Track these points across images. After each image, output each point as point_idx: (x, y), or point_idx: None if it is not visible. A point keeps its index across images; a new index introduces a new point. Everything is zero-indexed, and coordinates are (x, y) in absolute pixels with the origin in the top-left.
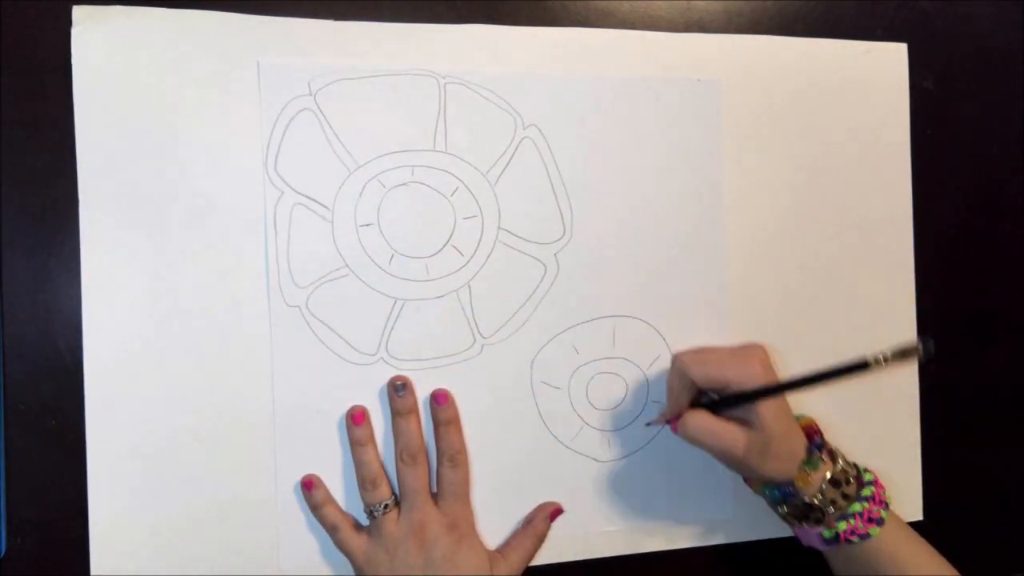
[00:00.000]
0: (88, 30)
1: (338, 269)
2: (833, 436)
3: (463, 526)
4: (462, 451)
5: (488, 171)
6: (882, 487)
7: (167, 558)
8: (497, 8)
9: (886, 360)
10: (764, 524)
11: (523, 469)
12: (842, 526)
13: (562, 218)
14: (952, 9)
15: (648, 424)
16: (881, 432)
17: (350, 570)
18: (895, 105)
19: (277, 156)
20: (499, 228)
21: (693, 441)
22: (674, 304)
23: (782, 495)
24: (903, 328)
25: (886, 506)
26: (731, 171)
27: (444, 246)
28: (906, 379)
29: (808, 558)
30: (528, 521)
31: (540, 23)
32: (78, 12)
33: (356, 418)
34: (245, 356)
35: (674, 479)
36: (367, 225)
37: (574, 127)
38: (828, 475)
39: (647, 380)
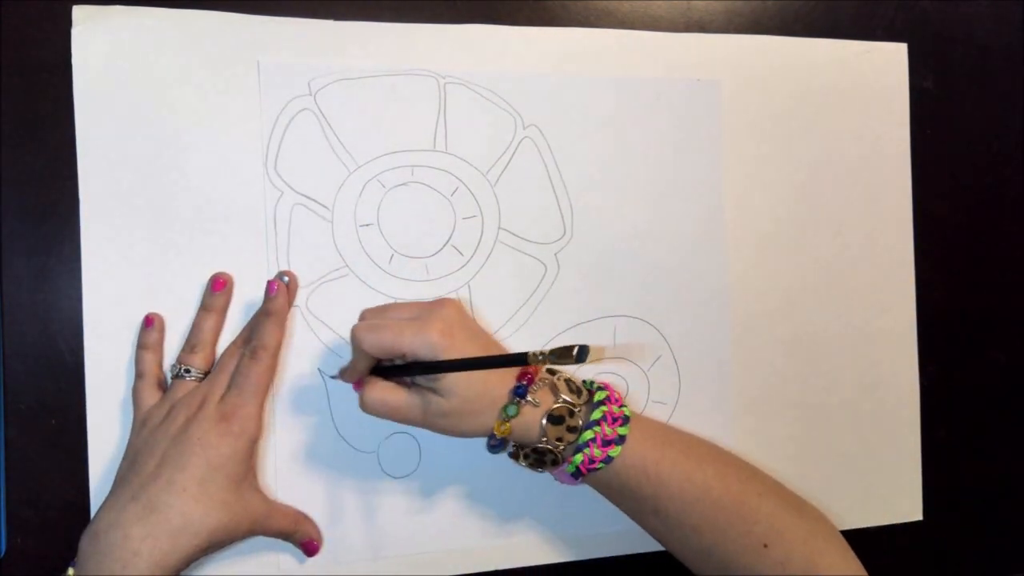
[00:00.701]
0: (88, 30)
1: (338, 269)
2: (833, 436)
3: (237, 423)
4: (269, 348)
5: (488, 171)
6: (616, 400)
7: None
8: (497, 8)
9: (543, 357)
10: None
11: (523, 469)
12: (579, 459)
13: (562, 218)
14: (952, 9)
15: (331, 376)
16: (881, 432)
17: (350, 570)
18: (895, 105)
19: (277, 156)
20: (499, 228)
21: (372, 414)
22: (674, 304)
23: (493, 448)
24: (903, 328)
25: (623, 421)
26: (731, 171)
27: (444, 246)
28: (906, 379)
29: None
30: (306, 517)
31: (540, 23)
32: (78, 12)
33: (217, 284)
34: None
35: None
36: (367, 225)
37: (574, 127)
38: (545, 414)
39: (648, 380)
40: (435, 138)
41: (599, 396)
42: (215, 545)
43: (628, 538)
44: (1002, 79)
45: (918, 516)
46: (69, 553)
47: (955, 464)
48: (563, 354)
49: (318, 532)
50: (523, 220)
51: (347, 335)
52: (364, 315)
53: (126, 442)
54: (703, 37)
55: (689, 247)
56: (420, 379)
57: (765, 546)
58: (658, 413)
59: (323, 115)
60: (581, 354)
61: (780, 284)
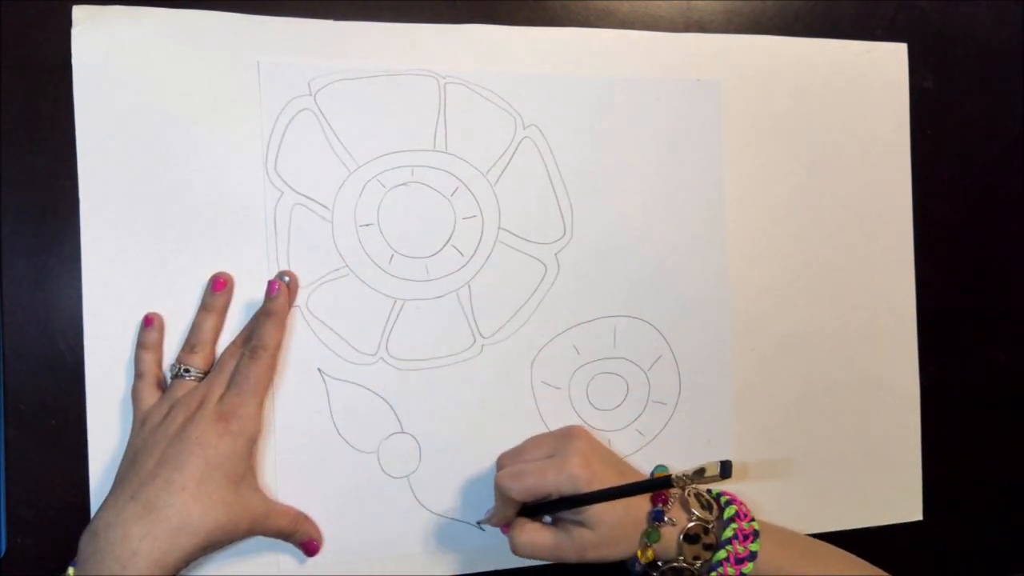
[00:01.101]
0: (88, 30)
1: (338, 269)
2: (833, 436)
3: (236, 422)
4: (269, 348)
5: (488, 171)
6: (745, 516)
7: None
8: (497, 8)
9: (688, 479)
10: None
11: None
12: None
13: (562, 218)
14: (952, 9)
15: (479, 524)
16: (881, 432)
17: (350, 570)
18: (895, 105)
19: (277, 156)
20: (499, 228)
21: (525, 556)
22: (675, 304)
23: (642, 569)
24: (903, 328)
25: (754, 537)
26: (731, 171)
27: (444, 246)
28: (906, 379)
29: None
30: (306, 518)
31: (540, 23)
32: (78, 12)
33: (217, 284)
34: None
35: None
36: (367, 225)
37: (574, 127)
38: (681, 534)
39: (648, 380)
40: (435, 138)
41: (728, 512)
42: (214, 544)
43: None
44: (1002, 79)
45: (918, 516)
46: (69, 553)
47: (955, 464)
48: (708, 474)
49: (318, 532)
50: (523, 220)
51: (347, 335)
52: (501, 462)
53: (126, 442)
54: (703, 37)
55: (689, 247)
56: (566, 514)
57: None
58: (658, 413)
59: (323, 115)
60: (725, 470)
61: (780, 284)
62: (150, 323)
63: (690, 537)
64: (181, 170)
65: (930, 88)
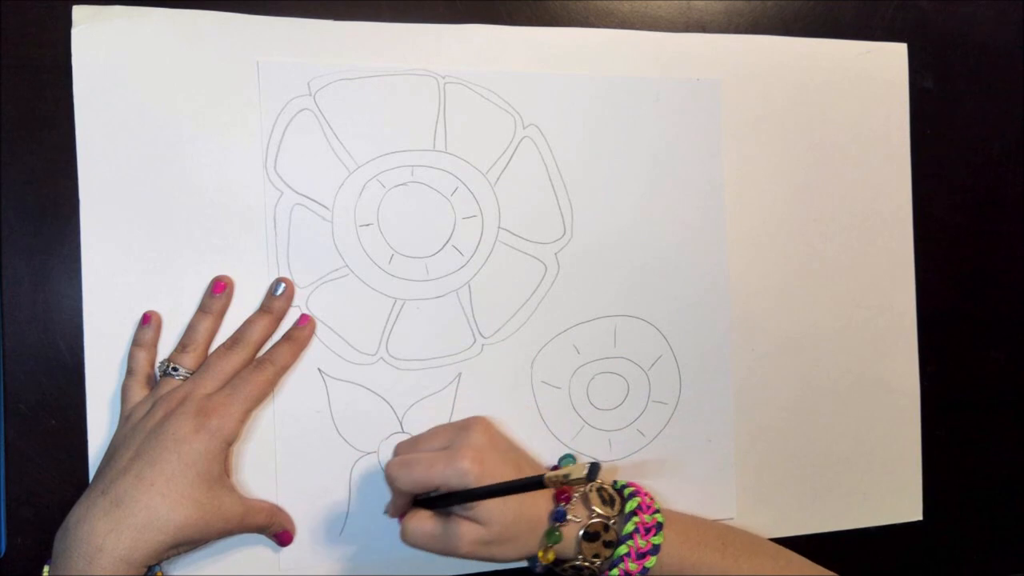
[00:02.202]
0: (88, 30)
1: (338, 269)
2: (833, 436)
3: (216, 419)
4: (278, 365)
5: (488, 171)
6: (648, 508)
7: (167, 559)
8: (497, 8)
9: (558, 481)
10: (769, 524)
11: None
12: (615, 573)
13: (562, 217)
14: (952, 9)
15: (384, 513)
16: (881, 432)
17: (350, 570)
18: (895, 105)
19: (277, 156)
20: (499, 228)
21: (414, 546)
22: (675, 303)
23: (542, 570)
24: (903, 328)
25: (657, 529)
26: (731, 171)
27: (444, 246)
28: (906, 379)
29: (813, 555)
30: (279, 510)
31: (540, 23)
32: (78, 12)
33: (217, 287)
34: None
35: (676, 479)
36: (367, 225)
37: (574, 127)
38: (580, 532)
39: (648, 380)
40: (435, 138)
41: (631, 505)
42: (185, 542)
43: None
44: (1002, 79)
45: (918, 516)
46: None
47: (955, 464)
48: (574, 476)
49: (291, 523)
50: (523, 220)
51: (347, 335)
52: (398, 449)
53: None
54: (703, 37)
55: (689, 247)
56: (457, 509)
57: None
58: (658, 413)
59: (323, 115)
60: (592, 473)
61: (780, 284)
62: (147, 321)
63: (589, 535)
64: (181, 170)
65: (930, 88)
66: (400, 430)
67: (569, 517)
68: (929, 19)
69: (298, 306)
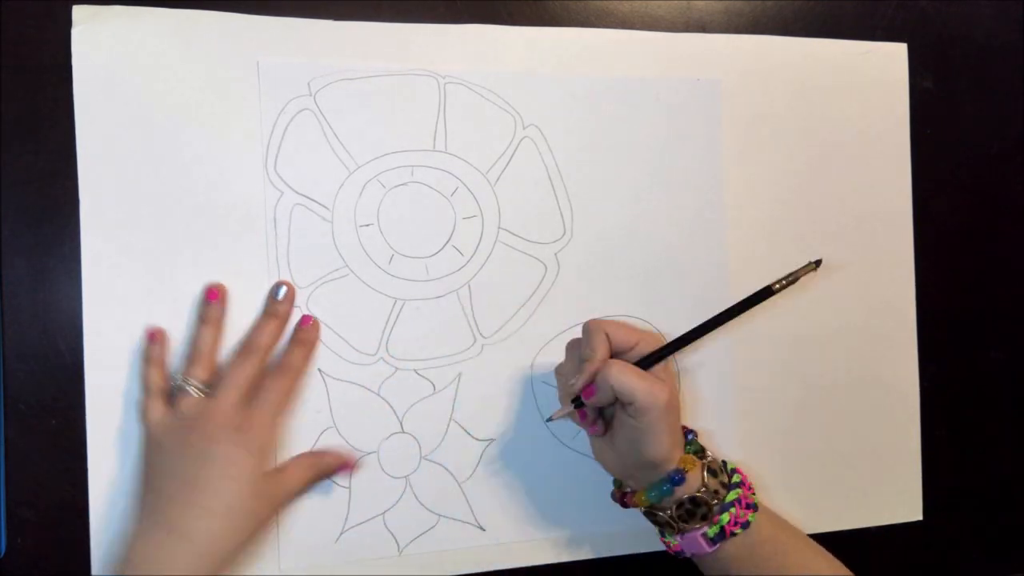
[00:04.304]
0: (88, 30)
1: (338, 269)
2: (833, 436)
3: (253, 434)
4: (296, 370)
5: (488, 171)
6: (748, 485)
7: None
8: (497, 8)
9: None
10: None
11: (522, 468)
12: (725, 518)
13: (562, 218)
14: (952, 9)
15: (549, 419)
16: (881, 432)
17: (350, 570)
18: (895, 105)
19: (277, 156)
20: (499, 228)
21: (618, 385)
22: (674, 303)
23: (672, 485)
24: (903, 328)
25: (754, 502)
26: (731, 171)
27: (444, 246)
28: (906, 379)
29: None
30: (317, 453)
31: (540, 23)
32: (78, 12)
33: (210, 295)
34: None
35: None
36: (367, 225)
37: (574, 127)
38: (703, 465)
39: None
40: (435, 138)
41: (731, 465)
42: (247, 550)
43: (627, 538)
44: (1002, 79)
45: (918, 516)
46: (69, 553)
47: (955, 464)
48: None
49: (337, 454)
50: (523, 220)
51: (347, 335)
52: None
53: (126, 442)
54: (703, 37)
55: (689, 247)
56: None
57: None
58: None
59: (323, 115)
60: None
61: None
62: (153, 338)
63: (711, 470)
64: (181, 170)
65: (930, 88)
66: (400, 430)
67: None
68: (929, 19)
69: (299, 306)
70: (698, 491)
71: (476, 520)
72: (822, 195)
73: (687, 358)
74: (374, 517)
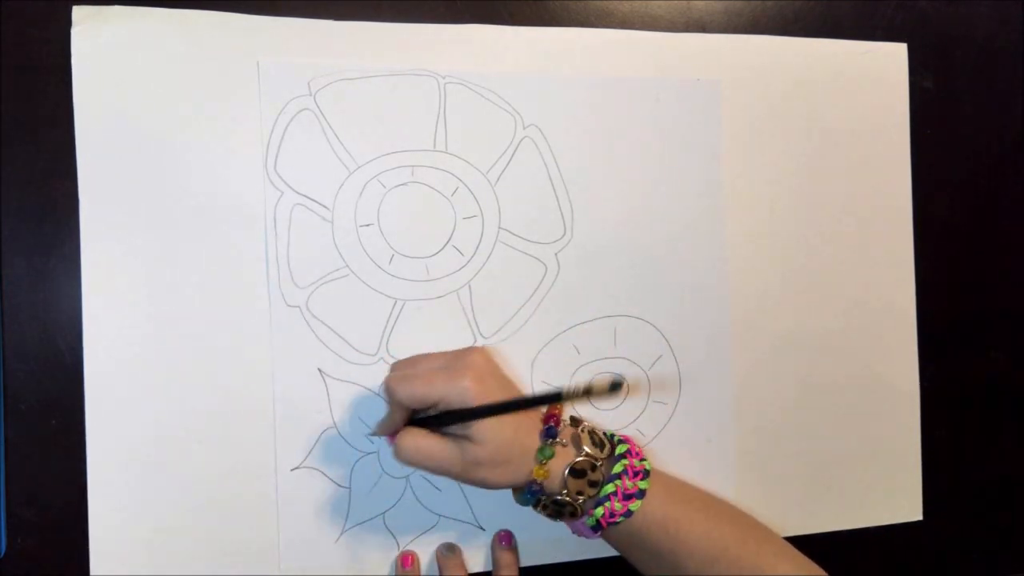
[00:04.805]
0: (88, 30)
1: (338, 269)
2: (833, 436)
3: None
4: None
5: (488, 171)
6: (636, 454)
7: (167, 558)
8: (497, 8)
9: (579, 392)
10: (769, 523)
11: None
12: (599, 512)
13: (562, 218)
14: (952, 9)
15: (369, 435)
16: (881, 432)
17: (350, 570)
18: (895, 105)
19: (277, 156)
20: (499, 228)
21: (407, 463)
22: (675, 303)
23: (532, 495)
24: (903, 328)
25: (644, 475)
26: (731, 171)
27: (444, 246)
28: (906, 379)
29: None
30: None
31: (540, 23)
32: (78, 12)
33: (404, 561)
34: (245, 356)
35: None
36: (367, 225)
37: (574, 127)
38: (567, 468)
39: (648, 380)
40: (435, 138)
41: (620, 449)
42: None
43: None
44: (1002, 79)
45: (918, 516)
46: (69, 553)
47: (955, 464)
48: (598, 389)
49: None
50: (523, 220)
51: (347, 336)
52: (394, 367)
53: (126, 442)
54: (703, 37)
55: (689, 247)
56: (454, 428)
57: None
58: (658, 413)
59: (323, 115)
60: (615, 387)
61: (780, 284)
62: (408, 563)
63: (575, 472)
64: (181, 170)
65: (930, 88)
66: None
67: (559, 440)
68: (929, 19)
69: (298, 306)
70: (560, 494)
71: (476, 520)
72: (822, 195)
73: (687, 358)
74: (374, 517)
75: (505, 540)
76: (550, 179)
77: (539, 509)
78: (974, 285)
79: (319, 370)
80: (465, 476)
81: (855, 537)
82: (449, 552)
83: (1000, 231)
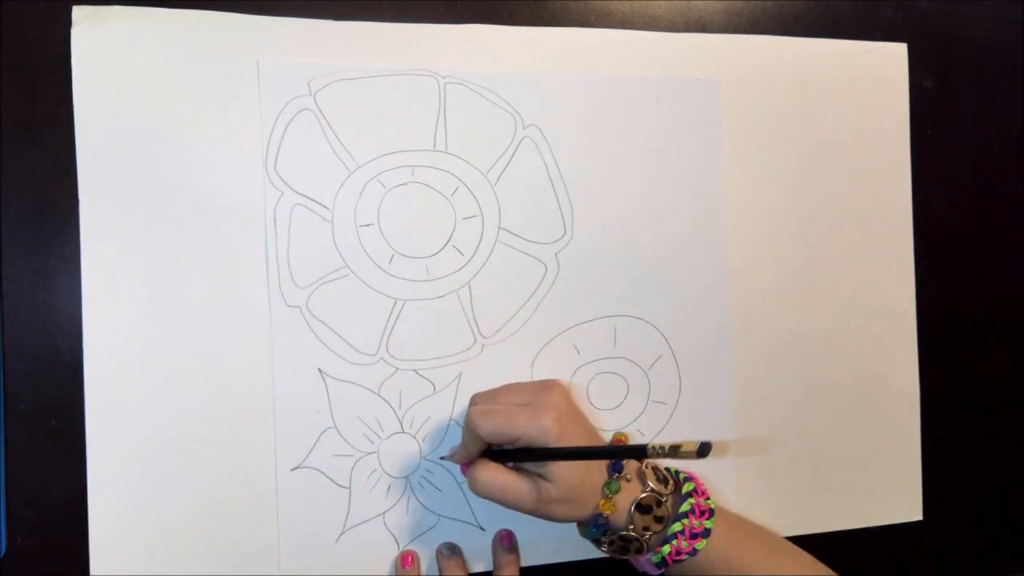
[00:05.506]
0: (88, 30)
1: (338, 269)
2: (833, 436)
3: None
4: None
5: (488, 171)
6: (703, 493)
7: (167, 558)
8: (497, 8)
9: (663, 451)
10: (769, 524)
11: None
12: (666, 550)
13: (562, 218)
14: (952, 9)
15: (442, 458)
16: (881, 432)
17: (350, 570)
18: (895, 105)
19: (277, 156)
20: (499, 228)
21: (480, 495)
22: (675, 303)
23: (598, 530)
24: (903, 328)
25: (710, 514)
26: (731, 171)
27: (444, 246)
28: (906, 379)
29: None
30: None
31: (540, 23)
32: (78, 12)
33: (404, 561)
34: (245, 356)
35: None
36: (367, 225)
37: (574, 127)
38: (633, 504)
39: (648, 380)
40: (435, 138)
41: (687, 488)
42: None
43: None
44: (1002, 79)
45: (918, 516)
46: (69, 553)
47: (955, 464)
48: (684, 450)
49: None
50: (523, 220)
51: (347, 335)
52: (475, 399)
53: (126, 442)
54: (703, 37)
55: (689, 246)
56: (529, 465)
57: None
58: (658, 413)
59: (323, 115)
60: (703, 450)
61: (780, 284)
62: (408, 563)
63: (642, 507)
64: (181, 170)
65: (930, 88)
66: (400, 430)
67: (625, 474)
68: (929, 19)
69: (298, 306)
70: (626, 530)
71: (476, 520)
72: (822, 195)
73: (687, 358)
74: (374, 517)
75: (505, 540)
76: (550, 179)
77: (604, 545)
78: (974, 285)
79: (319, 370)
80: (540, 510)
81: (855, 537)
82: (449, 552)
83: (1000, 231)
